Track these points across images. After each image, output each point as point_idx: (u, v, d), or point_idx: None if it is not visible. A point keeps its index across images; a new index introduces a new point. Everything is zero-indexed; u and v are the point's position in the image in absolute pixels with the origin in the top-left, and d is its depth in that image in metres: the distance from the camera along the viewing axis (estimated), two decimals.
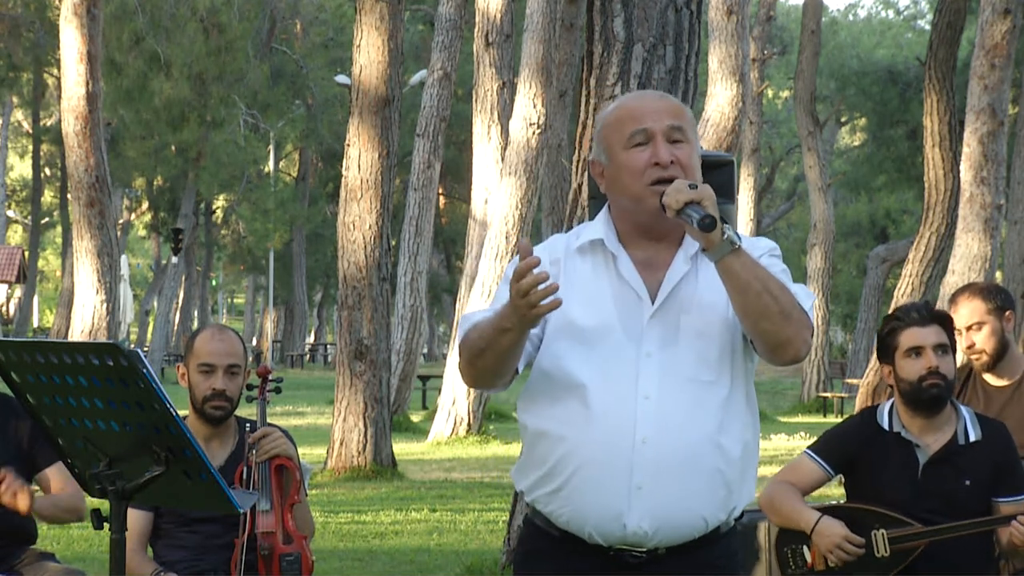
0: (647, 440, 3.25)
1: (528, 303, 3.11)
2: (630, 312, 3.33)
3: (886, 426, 4.90)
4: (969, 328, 5.57)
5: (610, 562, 3.33)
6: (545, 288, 3.10)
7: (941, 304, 14.46)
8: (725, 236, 3.16)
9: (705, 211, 3.15)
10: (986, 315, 5.56)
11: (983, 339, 5.55)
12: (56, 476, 5.05)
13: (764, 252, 3.40)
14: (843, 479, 5.10)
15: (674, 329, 3.31)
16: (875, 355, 5.23)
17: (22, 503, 4.79)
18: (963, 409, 4.94)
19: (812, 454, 4.98)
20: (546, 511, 3.37)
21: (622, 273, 3.36)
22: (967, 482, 4.81)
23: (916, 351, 4.83)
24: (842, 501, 5.09)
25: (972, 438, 4.85)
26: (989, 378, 5.63)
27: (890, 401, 4.97)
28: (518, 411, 3.47)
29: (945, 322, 4.94)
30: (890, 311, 5.18)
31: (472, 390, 18.77)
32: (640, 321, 3.32)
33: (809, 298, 3.33)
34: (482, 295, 18.03)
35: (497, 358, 3.27)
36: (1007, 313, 5.60)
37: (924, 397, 4.82)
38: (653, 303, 3.33)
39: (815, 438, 5.16)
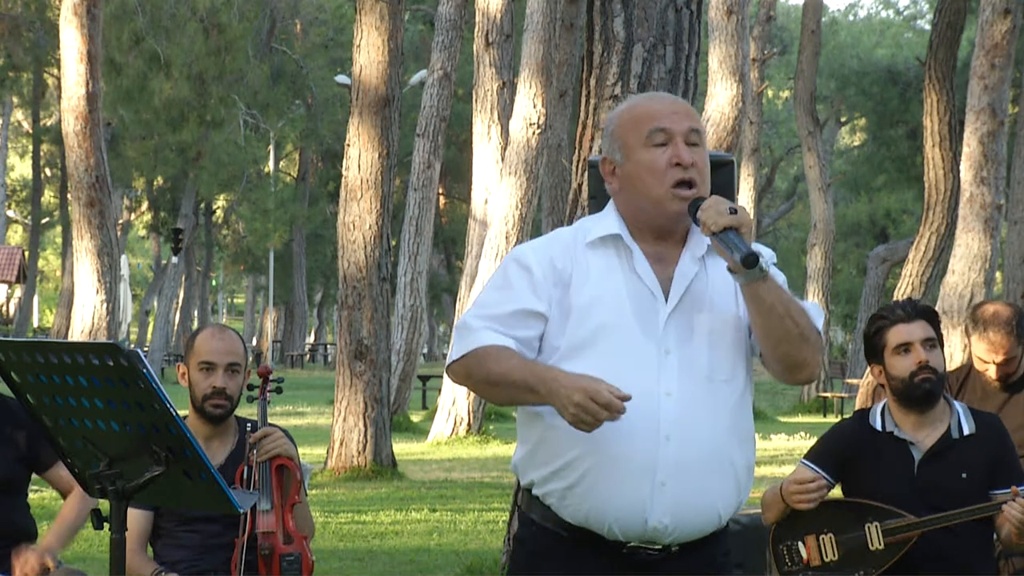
0: (670, 437, 3.27)
1: (579, 418, 3.14)
2: (645, 309, 3.34)
3: (879, 426, 4.86)
4: (1000, 361, 5.62)
5: (623, 560, 3.33)
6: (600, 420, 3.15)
7: (942, 304, 14.45)
8: (758, 266, 3.20)
9: (747, 245, 3.18)
10: (1016, 348, 5.64)
11: (1012, 365, 5.66)
12: (62, 474, 5.04)
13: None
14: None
15: (689, 328, 3.34)
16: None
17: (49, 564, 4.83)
18: (956, 404, 4.91)
19: (808, 463, 4.92)
20: (558, 507, 3.35)
21: (636, 269, 3.37)
22: (963, 475, 4.78)
23: (905, 347, 4.81)
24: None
25: (966, 431, 4.82)
26: (990, 377, 5.65)
27: (882, 402, 4.93)
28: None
29: (931, 317, 4.91)
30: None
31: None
32: (657, 319, 3.33)
33: (820, 317, 3.37)
34: None
35: (509, 400, 3.35)
36: None
37: (917, 393, 4.79)
38: (666, 300, 3.35)
39: (815, 438, 5.12)
